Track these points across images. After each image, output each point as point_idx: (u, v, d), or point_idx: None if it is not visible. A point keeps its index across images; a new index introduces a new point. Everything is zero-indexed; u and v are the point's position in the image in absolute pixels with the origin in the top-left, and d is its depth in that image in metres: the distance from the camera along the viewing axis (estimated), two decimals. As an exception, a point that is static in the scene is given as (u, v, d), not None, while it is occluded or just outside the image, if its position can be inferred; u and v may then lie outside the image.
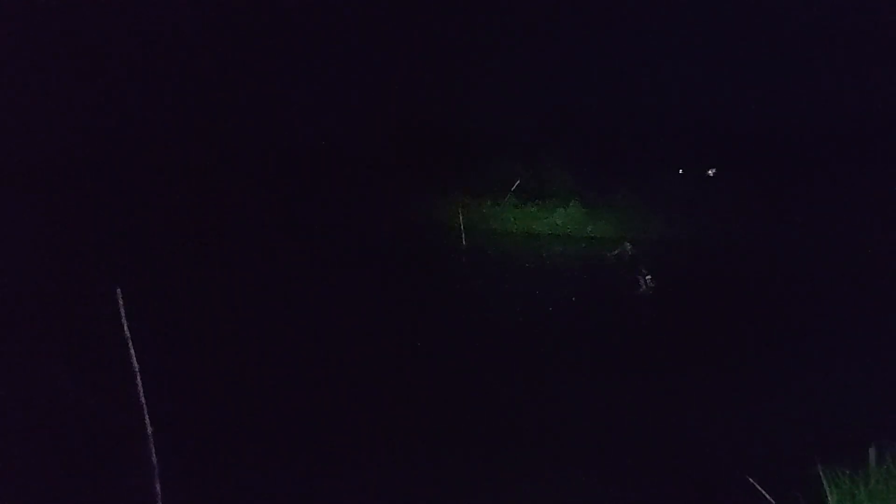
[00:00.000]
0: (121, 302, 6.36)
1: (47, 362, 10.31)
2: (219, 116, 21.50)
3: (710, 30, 19.19)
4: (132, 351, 6.49)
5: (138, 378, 6.60)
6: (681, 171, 21.01)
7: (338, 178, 22.20)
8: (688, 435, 8.31)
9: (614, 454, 8.03)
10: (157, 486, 6.96)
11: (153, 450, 6.83)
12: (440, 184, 21.70)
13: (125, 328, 6.37)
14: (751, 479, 6.09)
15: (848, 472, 6.48)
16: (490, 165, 22.18)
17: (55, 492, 7.47)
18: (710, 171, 20.29)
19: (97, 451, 7.94)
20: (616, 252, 16.12)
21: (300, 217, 20.29)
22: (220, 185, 20.65)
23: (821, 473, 6.41)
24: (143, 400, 6.80)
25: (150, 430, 6.86)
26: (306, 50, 21.53)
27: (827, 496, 6.36)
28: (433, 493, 7.40)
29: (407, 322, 12.49)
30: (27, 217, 17.63)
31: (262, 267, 16.16)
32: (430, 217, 20.79)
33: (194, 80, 21.34)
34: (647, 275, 13.89)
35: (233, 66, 21.63)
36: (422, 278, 16.13)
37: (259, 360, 10.57)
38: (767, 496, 6.04)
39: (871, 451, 6.55)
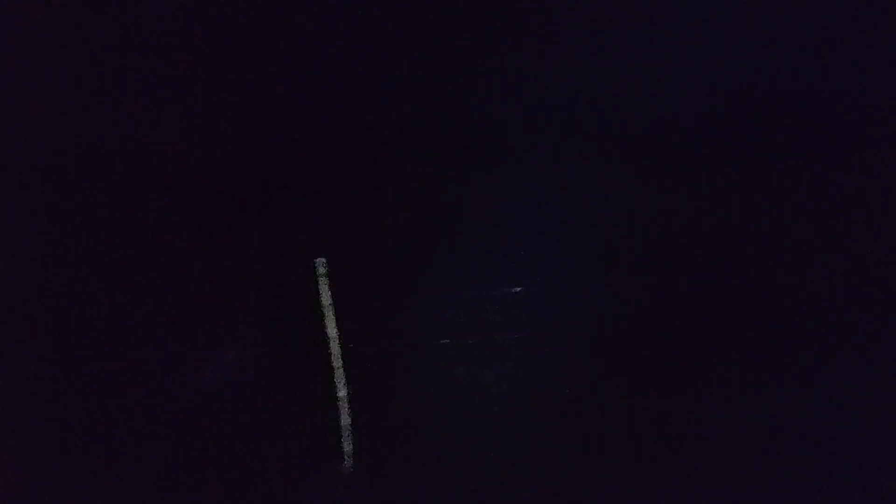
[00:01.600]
0: (324, 270, 6.32)
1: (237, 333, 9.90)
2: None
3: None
4: (332, 316, 6.48)
5: (335, 343, 6.62)
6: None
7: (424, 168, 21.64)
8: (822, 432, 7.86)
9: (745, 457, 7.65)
10: (349, 446, 7.05)
11: (347, 410, 6.88)
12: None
13: (327, 296, 6.34)
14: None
15: None
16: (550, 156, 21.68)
17: (241, 440, 7.30)
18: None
19: (285, 410, 7.87)
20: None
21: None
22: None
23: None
24: (335, 364, 6.85)
25: (342, 392, 6.93)
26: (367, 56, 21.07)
27: None
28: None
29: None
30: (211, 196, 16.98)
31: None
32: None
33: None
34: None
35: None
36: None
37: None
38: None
39: None
